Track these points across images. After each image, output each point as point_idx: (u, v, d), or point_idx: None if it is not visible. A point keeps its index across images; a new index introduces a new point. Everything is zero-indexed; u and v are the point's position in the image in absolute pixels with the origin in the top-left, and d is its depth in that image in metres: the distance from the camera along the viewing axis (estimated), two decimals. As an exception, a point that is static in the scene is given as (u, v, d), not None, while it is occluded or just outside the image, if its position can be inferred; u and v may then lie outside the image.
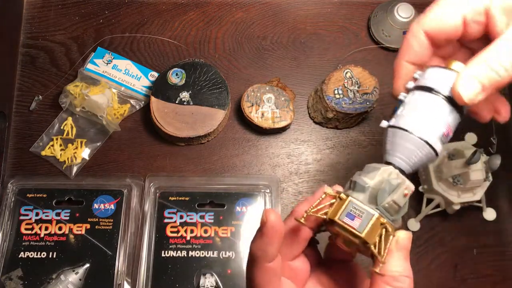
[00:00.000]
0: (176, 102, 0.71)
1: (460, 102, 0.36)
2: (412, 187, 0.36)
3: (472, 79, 0.36)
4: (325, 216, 0.35)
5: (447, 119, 0.37)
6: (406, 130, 0.37)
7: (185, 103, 0.71)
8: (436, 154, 0.37)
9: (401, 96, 0.40)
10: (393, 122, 0.38)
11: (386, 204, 0.34)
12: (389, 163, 0.37)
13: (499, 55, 0.36)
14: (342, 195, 0.35)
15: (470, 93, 0.36)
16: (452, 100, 0.37)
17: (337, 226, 0.34)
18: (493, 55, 0.36)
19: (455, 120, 0.38)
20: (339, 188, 0.37)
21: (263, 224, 0.33)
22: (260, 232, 0.33)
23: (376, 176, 0.35)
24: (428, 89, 0.38)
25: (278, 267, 0.34)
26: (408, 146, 0.37)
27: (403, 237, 0.34)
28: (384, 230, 0.34)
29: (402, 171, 0.37)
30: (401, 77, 0.41)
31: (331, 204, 0.35)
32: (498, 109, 0.41)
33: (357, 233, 0.33)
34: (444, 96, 0.37)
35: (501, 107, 0.41)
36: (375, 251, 0.34)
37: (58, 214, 0.68)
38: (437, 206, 0.67)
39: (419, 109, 0.38)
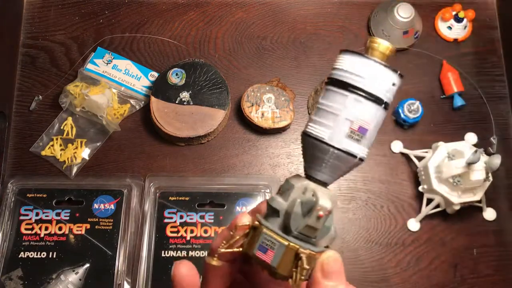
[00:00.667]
0: (176, 102, 0.71)
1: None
2: (327, 206, 0.30)
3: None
4: (240, 249, 0.31)
5: (373, 122, 0.31)
6: (310, 136, 0.32)
7: (185, 103, 0.71)
8: (353, 156, 0.31)
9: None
10: (310, 129, 0.32)
11: (301, 230, 0.30)
12: (307, 175, 0.33)
13: None
14: (256, 224, 0.31)
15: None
16: (378, 99, 0.31)
17: (253, 260, 0.31)
18: None
19: (363, 109, 0.31)
20: (263, 207, 0.33)
21: (173, 277, 0.30)
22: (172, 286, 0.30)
23: (290, 196, 0.31)
24: (349, 87, 0.31)
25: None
26: (318, 154, 0.31)
27: (327, 262, 0.29)
28: (299, 260, 0.30)
29: (322, 183, 0.32)
30: None
31: (247, 235, 0.31)
32: None
33: (271, 267, 0.30)
34: (369, 96, 0.31)
35: None
36: (293, 284, 0.30)
37: (58, 214, 0.68)
38: (437, 206, 0.67)
39: (320, 107, 0.32)
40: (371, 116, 0.31)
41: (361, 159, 0.31)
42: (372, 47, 0.31)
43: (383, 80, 0.31)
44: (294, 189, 0.31)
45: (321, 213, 0.30)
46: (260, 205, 0.33)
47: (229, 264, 0.32)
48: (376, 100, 0.31)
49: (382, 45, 0.31)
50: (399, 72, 0.31)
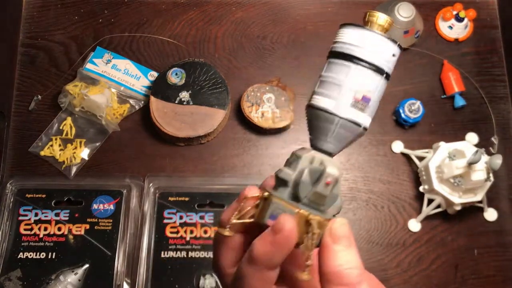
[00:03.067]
0: (176, 102, 0.71)
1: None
2: (335, 173, 0.31)
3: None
4: (252, 220, 0.32)
5: (375, 91, 0.32)
6: (315, 107, 0.33)
7: (184, 103, 0.71)
8: (357, 124, 0.32)
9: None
10: (315, 101, 0.33)
11: (310, 197, 0.31)
12: (313, 147, 0.34)
13: None
14: (266, 194, 0.32)
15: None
16: (379, 69, 0.32)
17: (265, 229, 0.31)
18: None
19: (366, 79, 0.32)
20: (271, 181, 0.34)
21: (277, 231, 0.30)
22: (272, 238, 0.30)
23: (298, 166, 0.32)
24: (351, 58, 0.32)
25: (275, 276, 0.31)
26: (323, 124, 0.33)
27: (336, 226, 0.31)
28: (309, 225, 0.31)
29: (328, 153, 0.33)
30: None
31: (257, 205, 0.33)
32: None
33: None
34: (372, 66, 0.32)
35: None
36: (305, 250, 0.31)
37: (57, 215, 0.67)
38: (438, 206, 0.67)
39: (324, 80, 0.33)
40: (373, 85, 0.32)
41: (365, 128, 0.33)
42: (371, 20, 0.32)
43: (383, 51, 0.32)
44: (301, 160, 0.32)
45: (329, 179, 0.31)
46: (266, 180, 0.34)
47: (240, 235, 0.33)
48: (378, 70, 0.32)
49: (381, 17, 0.32)
50: (398, 43, 0.32)
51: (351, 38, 0.32)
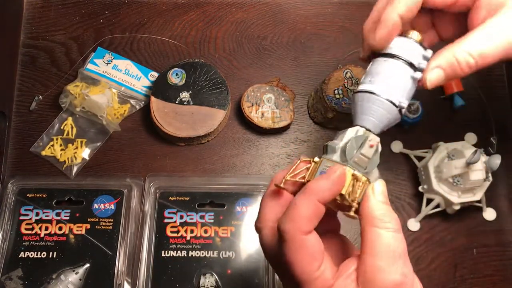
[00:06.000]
0: (176, 102, 0.71)
1: (424, 86, 0.42)
2: (377, 138, 0.39)
3: (437, 69, 0.42)
4: (303, 180, 0.38)
5: (408, 80, 0.42)
6: (373, 93, 0.41)
7: (185, 103, 0.71)
8: (400, 112, 0.41)
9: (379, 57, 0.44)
10: (360, 87, 0.42)
11: (355, 158, 0.38)
12: (357, 125, 0.41)
13: (469, 45, 0.41)
14: (316, 159, 0.39)
15: (433, 81, 0.42)
16: (412, 64, 0.42)
17: None
18: (461, 48, 0.41)
19: (415, 81, 0.42)
20: (296, 167, 0.40)
21: (331, 172, 0.37)
22: (326, 177, 0.37)
23: (344, 137, 0.39)
24: (391, 56, 0.42)
25: (322, 211, 0.36)
26: (375, 107, 0.40)
27: (377, 185, 0.38)
28: (355, 180, 0.38)
29: (368, 130, 0.40)
30: (390, 27, 0.42)
31: (308, 169, 0.39)
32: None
33: None
34: (405, 61, 0.42)
35: None
36: (349, 198, 0.37)
37: (58, 214, 0.68)
38: (437, 206, 0.67)
39: (384, 73, 0.42)
40: (416, 84, 0.42)
41: (401, 108, 0.41)
42: (408, 32, 0.44)
43: (415, 52, 0.43)
44: (348, 131, 0.40)
45: (372, 143, 0.38)
46: (295, 166, 0.39)
47: (288, 194, 0.39)
48: (411, 65, 0.42)
49: (416, 33, 0.44)
50: (431, 51, 0.44)
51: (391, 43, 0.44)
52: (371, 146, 0.38)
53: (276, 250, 0.37)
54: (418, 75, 0.42)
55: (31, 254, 0.66)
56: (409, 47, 0.42)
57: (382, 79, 0.41)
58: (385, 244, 0.35)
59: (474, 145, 0.68)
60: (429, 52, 0.43)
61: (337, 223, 0.44)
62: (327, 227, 0.41)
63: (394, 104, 0.40)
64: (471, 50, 0.41)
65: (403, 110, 0.41)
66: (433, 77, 0.42)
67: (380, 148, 0.40)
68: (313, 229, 0.36)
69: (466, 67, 0.41)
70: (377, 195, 0.37)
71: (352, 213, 0.37)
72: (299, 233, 0.35)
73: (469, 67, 0.41)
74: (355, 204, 0.37)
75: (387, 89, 0.41)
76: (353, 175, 0.38)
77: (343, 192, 0.37)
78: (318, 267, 0.35)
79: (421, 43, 0.43)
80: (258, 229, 0.39)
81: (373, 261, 0.35)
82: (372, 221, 0.36)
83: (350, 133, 0.40)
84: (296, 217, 0.35)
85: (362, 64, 0.72)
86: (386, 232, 0.36)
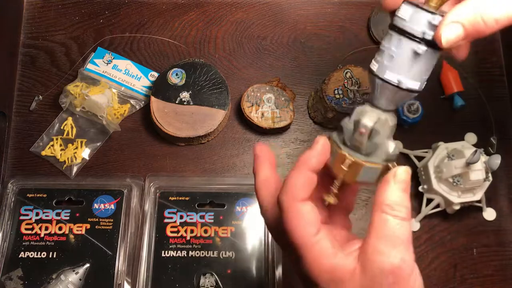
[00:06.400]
0: (176, 102, 0.71)
1: (439, 44, 0.36)
2: (368, 124, 0.38)
3: (456, 24, 0.35)
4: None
5: (428, 63, 0.37)
6: (371, 70, 0.39)
7: (185, 103, 0.71)
8: (403, 89, 0.38)
9: (385, 42, 0.39)
10: (378, 70, 0.38)
11: (351, 143, 0.39)
12: (369, 104, 0.40)
13: (489, 2, 0.35)
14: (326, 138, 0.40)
15: (450, 38, 0.35)
16: (432, 44, 0.36)
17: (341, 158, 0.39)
18: (484, 2, 0.35)
19: (434, 61, 0.38)
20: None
21: (315, 143, 0.38)
22: (311, 147, 0.38)
23: (352, 117, 0.39)
24: (391, 27, 0.38)
25: (315, 180, 0.38)
26: (375, 85, 0.39)
27: (400, 171, 0.37)
28: (344, 158, 0.38)
29: (379, 108, 0.39)
30: None
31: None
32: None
33: (329, 166, 0.39)
34: (426, 41, 0.36)
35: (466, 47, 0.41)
36: (333, 169, 0.39)
37: (58, 214, 0.68)
38: (437, 206, 0.67)
39: (383, 48, 0.38)
40: (407, 50, 0.37)
41: (402, 86, 0.38)
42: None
43: (419, 21, 0.37)
44: (354, 112, 0.40)
45: (362, 130, 0.38)
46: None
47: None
48: (412, 36, 0.37)
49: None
50: (441, 17, 0.37)
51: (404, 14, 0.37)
52: (361, 133, 0.38)
53: (277, 221, 0.39)
54: (420, 49, 0.36)
55: (31, 254, 0.66)
56: (413, 15, 0.36)
57: (383, 55, 0.38)
58: (390, 229, 0.36)
59: (474, 145, 0.68)
60: (437, 20, 0.36)
61: (348, 223, 0.45)
62: (339, 226, 0.42)
63: (389, 82, 0.37)
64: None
65: (413, 88, 0.37)
66: (452, 35, 0.35)
67: (383, 132, 0.39)
68: (308, 199, 0.37)
69: (494, 23, 0.35)
70: (397, 182, 0.37)
71: (330, 199, 0.39)
72: (294, 201, 0.37)
73: (497, 23, 0.35)
74: (333, 189, 0.39)
75: (386, 66, 0.37)
76: (341, 154, 0.38)
77: (337, 172, 0.39)
78: (314, 233, 0.36)
79: (429, 8, 0.36)
80: (261, 210, 0.42)
81: (376, 243, 0.36)
82: (381, 207, 0.36)
83: (356, 114, 0.39)
84: (291, 187, 0.37)
85: (362, 64, 0.72)
86: (394, 219, 0.36)
